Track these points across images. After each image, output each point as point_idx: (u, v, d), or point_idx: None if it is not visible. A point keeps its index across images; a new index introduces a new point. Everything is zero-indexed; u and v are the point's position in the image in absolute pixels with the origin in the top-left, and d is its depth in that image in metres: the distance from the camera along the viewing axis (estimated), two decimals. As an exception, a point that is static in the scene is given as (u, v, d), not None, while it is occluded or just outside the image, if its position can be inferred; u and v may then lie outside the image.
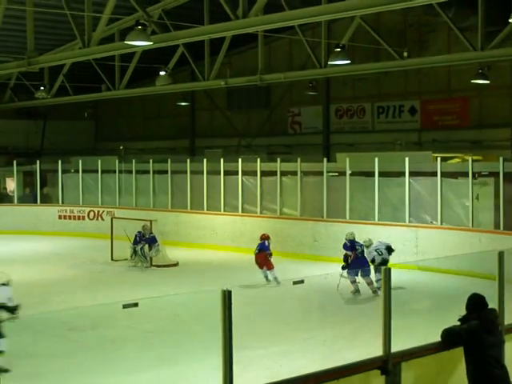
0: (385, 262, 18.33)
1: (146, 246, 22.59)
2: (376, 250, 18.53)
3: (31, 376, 10.96)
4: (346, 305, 17.06)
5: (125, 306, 6.63)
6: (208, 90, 32.52)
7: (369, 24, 24.01)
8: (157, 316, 14.13)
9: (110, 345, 13.14)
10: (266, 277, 19.61)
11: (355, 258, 18.39)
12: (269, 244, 19.89)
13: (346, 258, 18.62)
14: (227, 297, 6.83)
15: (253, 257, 20.07)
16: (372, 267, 18.31)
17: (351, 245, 18.64)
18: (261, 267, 19.75)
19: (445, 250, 20.67)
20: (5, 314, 10.89)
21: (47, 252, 24.77)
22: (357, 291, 18.04)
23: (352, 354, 9.46)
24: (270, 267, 19.57)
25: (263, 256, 19.70)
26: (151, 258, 22.60)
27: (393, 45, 23.86)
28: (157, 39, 18.63)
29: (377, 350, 7.97)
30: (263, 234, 20.35)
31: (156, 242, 22.63)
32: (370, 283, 18.04)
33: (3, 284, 11.75)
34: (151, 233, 22.79)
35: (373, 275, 18.07)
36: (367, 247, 18.63)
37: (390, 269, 8.08)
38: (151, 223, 23.15)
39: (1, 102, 35.58)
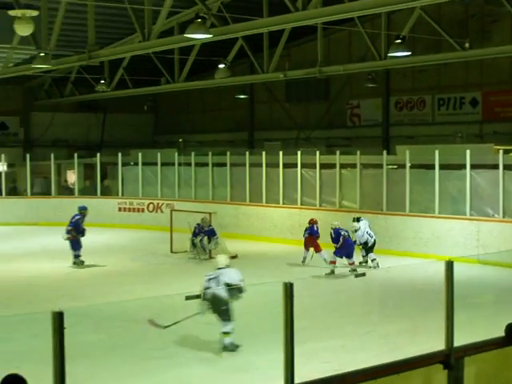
0: (375, 242, 20.86)
1: (206, 238, 22.73)
2: (367, 233, 20.64)
3: (93, 366, 11.07)
4: (406, 298, 16.91)
5: (187, 298, 6.66)
6: (267, 83, 32.49)
7: (429, 15, 23.72)
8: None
9: (170, 337, 13.20)
10: (305, 258, 21.01)
11: (344, 242, 19.78)
12: (317, 228, 21.16)
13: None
14: (289, 289, 6.80)
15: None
16: (363, 249, 20.84)
17: (336, 235, 19.94)
18: (307, 248, 21.03)
19: (506, 243, 20.39)
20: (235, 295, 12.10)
21: (107, 244, 25.02)
22: (332, 272, 19.66)
23: (413, 348, 9.38)
24: (318, 250, 20.81)
25: (313, 239, 20.97)
26: (210, 251, 22.70)
27: (454, 36, 23.54)
28: (216, 32, 18.67)
29: (438, 345, 7.88)
30: (311, 219, 21.58)
31: (215, 234, 22.77)
32: (352, 264, 19.83)
33: (227, 266, 12.69)
34: (210, 225, 22.91)
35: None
36: (356, 231, 20.59)
37: (452, 262, 7.96)
38: (210, 216, 23.24)
39: (62, 96, 36.07)
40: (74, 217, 21.91)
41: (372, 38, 25.16)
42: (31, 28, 18.41)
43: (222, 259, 12.92)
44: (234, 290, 12.22)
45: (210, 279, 12.34)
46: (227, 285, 12.20)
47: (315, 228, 21.16)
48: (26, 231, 28.13)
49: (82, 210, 22.18)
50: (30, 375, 5.33)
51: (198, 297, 6.33)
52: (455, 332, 7.75)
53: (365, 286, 14.50)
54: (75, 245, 21.53)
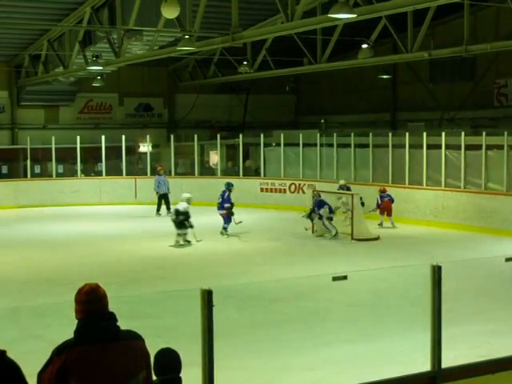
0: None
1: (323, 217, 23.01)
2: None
3: (235, 343, 11.14)
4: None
5: (334, 279, 6.56)
6: (410, 63, 31.92)
7: None
8: (358, 290, 14.06)
9: (311, 317, 13.19)
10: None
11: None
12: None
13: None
14: (437, 272, 6.65)
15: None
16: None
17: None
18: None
19: None
20: None
21: (249, 224, 25.19)
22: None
23: None
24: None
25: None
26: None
27: None
28: (360, 12, 18.36)
29: None
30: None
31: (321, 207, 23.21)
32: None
33: None
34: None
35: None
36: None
37: None
38: (353, 197, 23.11)
39: (205, 77, 36.54)
40: (225, 193, 23.83)
41: (522, 13, 24.29)
42: (177, 11, 18.71)
43: None
44: None
45: None
46: None
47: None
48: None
49: (230, 187, 24.04)
50: (179, 350, 5.41)
51: (344, 278, 6.20)
52: None
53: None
54: (228, 220, 23.58)
